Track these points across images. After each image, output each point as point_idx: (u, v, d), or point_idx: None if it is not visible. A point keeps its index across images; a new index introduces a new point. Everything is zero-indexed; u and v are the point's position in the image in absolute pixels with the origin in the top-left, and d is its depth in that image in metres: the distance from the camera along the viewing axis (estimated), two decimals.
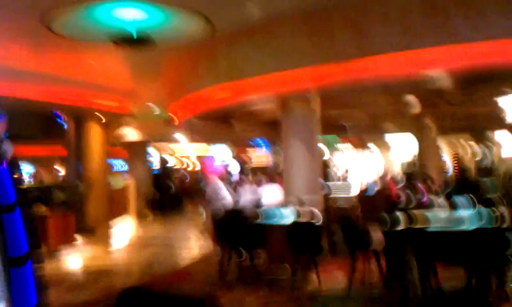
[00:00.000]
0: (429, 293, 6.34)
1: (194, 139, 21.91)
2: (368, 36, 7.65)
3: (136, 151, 19.90)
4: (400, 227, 6.56)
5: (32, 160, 22.25)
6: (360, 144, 22.96)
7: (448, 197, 9.70)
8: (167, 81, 12.11)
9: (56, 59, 10.07)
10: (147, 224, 16.23)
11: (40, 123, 15.70)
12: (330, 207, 10.41)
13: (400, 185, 14.79)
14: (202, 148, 27.25)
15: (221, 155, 26.88)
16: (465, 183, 11.01)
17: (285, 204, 9.00)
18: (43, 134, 16.57)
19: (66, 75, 10.89)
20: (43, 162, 23.15)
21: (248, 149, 27.21)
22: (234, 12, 7.77)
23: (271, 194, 9.67)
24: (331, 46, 8.03)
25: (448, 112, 14.54)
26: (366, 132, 20.40)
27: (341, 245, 7.65)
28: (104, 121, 13.56)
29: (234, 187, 10.55)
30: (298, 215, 7.95)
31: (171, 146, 24.59)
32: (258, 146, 26.15)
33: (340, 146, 21.52)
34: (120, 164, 23.08)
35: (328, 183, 13.77)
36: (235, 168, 23.42)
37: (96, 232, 12.73)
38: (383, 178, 15.12)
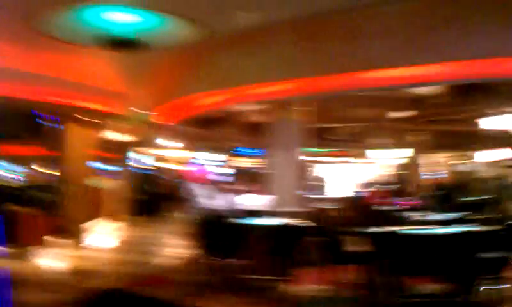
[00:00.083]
0: (404, 298, 6.46)
1: (178, 144, 21.87)
2: (359, 48, 7.74)
3: (118, 153, 19.77)
4: (384, 230, 6.67)
5: (13, 159, 22.02)
6: (350, 151, 23.13)
7: (433, 202, 9.93)
8: (153, 85, 12.11)
9: (41, 59, 10.02)
10: (127, 226, 16.15)
11: (22, 122, 15.58)
12: (315, 210, 10.50)
13: (387, 190, 15.05)
14: (186, 153, 27.20)
15: (205, 160, 26.87)
16: (449, 189, 11.25)
17: (267, 209, 9.08)
18: (25, 133, 16.44)
19: (51, 74, 10.85)
20: (24, 162, 22.92)
21: (232, 155, 27.24)
22: (224, 20, 7.80)
23: (253, 199, 9.74)
24: (320, 58, 8.12)
25: (437, 122, 14.74)
26: (356, 139, 20.60)
27: (320, 250, 7.74)
28: (87, 122, 13.50)
29: (217, 191, 10.60)
30: (281, 217, 8.03)
31: (155, 149, 24.51)
32: (243, 152, 26.20)
33: (324, 155, 21.69)
34: (102, 166, 22.93)
35: (314, 187, 13.90)
36: (218, 173, 23.41)
37: (74, 233, 12.64)
38: (365, 187, 15.29)
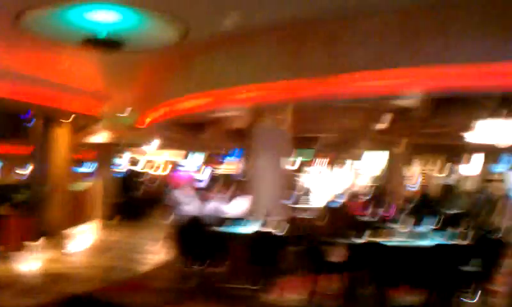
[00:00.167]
0: None
1: (163, 146, 21.78)
2: (341, 53, 7.71)
3: (103, 154, 19.68)
4: (363, 240, 6.68)
5: None
6: (330, 160, 23.18)
7: (411, 213, 9.97)
8: (138, 86, 12.05)
9: (24, 58, 9.91)
10: (110, 229, 16.03)
11: (5, 122, 15.42)
12: (295, 219, 10.50)
13: (366, 200, 15.12)
14: (171, 155, 27.12)
15: (190, 162, 26.81)
16: (428, 201, 11.33)
17: (250, 214, 9.06)
18: (8, 133, 16.28)
19: (35, 74, 10.74)
20: (7, 161, 22.73)
21: (218, 158, 27.19)
22: (210, 22, 7.77)
23: (236, 204, 9.71)
24: (304, 61, 8.09)
25: (418, 133, 14.82)
26: (336, 148, 20.65)
27: (301, 259, 7.74)
28: (72, 122, 13.38)
29: (200, 195, 10.55)
30: (262, 225, 8.02)
31: (140, 151, 24.41)
32: (228, 155, 26.16)
33: (309, 160, 21.73)
34: (86, 167, 22.78)
35: (294, 195, 13.89)
36: (203, 176, 23.38)
37: (56, 235, 12.50)
38: (349, 192, 15.33)
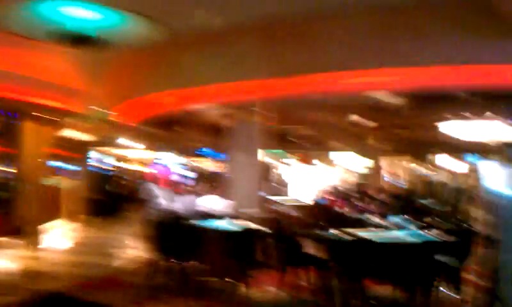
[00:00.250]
0: (362, 303, 6.50)
1: (138, 143, 21.59)
2: (317, 53, 7.76)
3: (78, 150, 19.44)
4: (343, 234, 6.68)
5: None
6: (305, 159, 23.28)
7: (391, 207, 10.05)
8: (113, 83, 11.89)
9: None
10: (83, 226, 15.86)
11: None
12: (274, 213, 10.48)
13: (346, 194, 15.21)
14: (146, 153, 26.91)
15: (165, 160, 26.64)
16: (408, 195, 11.45)
17: (228, 209, 9.04)
18: None
19: (8, 69, 10.52)
20: None
21: (193, 156, 27.08)
22: (185, 19, 7.72)
23: (214, 199, 9.67)
24: (281, 61, 8.11)
25: (392, 132, 14.96)
26: (312, 147, 20.74)
27: (279, 253, 7.72)
28: (45, 119, 13.18)
29: (175, 192, 10.46)
30: (240, 220, 7.99)
31: (115, 149, 24.16)
32: (204, 153, 26.08)
33: (285, 159, 21.78)
34: (60, 165, 22.46)
35: (273, 189, 13.91)
36: (178, 174, 23.23)
37: (27, 233, 12.31)
38: (325, 190, 15.38)
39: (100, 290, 7.87)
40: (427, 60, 7.10)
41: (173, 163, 26.58)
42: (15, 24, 7.70)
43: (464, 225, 7.78)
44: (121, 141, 20.65)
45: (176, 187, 11.36)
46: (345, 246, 6.51)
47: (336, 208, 11.84)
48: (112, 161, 26.09)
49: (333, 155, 22.30)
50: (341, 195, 14.82)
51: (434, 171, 22.50)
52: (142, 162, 28.05)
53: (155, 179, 10.05)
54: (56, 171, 20.93)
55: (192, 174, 22.90)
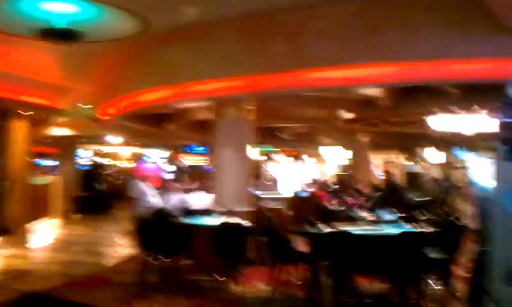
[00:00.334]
0: (351, 298, 6.49)
1: (126, 140, 21.47)
2: (303, 48, 7.73)
3: (65, 147, 19.31)
4: (329, 229, 6.65)
5: None
6: (294, 154, 23.30)
7: (378, 202, 10.07)
8: (99, 79, 11.79)
9: None
10: (71, 225, 15.74)
11: None
12: (261, 209, 10.46)
13: (333, 189, 15.23)
14: (134, 150, 26.80)
15: (153, 157, 26.54)
16: (395, 189, 11.48)
17: (216, 206, 9.00)
18: None
19: None
20: None
21: (181, 152, 27.01)
22: (171, 14, 7.66)
23: (200, 198, 9.63)
24: (267, 55, 8.07)
25: (383, 122, 14.97)
26: (301, 138, 20.76)
27: (268, 250, 7.70)
28: (29, 116, 13.03)
29: (163, 189, 10.40)
30: (227, 216, 7.96)
31: (102, 145, 24.02)
32: (192, 150, 26.02)
33: (273, 155, 21.79)
34: (46, 162, 22.29)
35: (260, 185, 13.87)
36: (166, 171, 23.15)
37: (15, 231, 12.20)
38: (314, 184, 15.39)
39: (89, 289, 7.79)
40: (415, 54, 7.10)
41: (161, 160, 26.51)
42: None
43: (452, 218, 7.80)
44: (108, 138, 20.53)
45: (164, 184, 11.30)
46: (330, 240, 6.49)
47: (325, 203, 11.85)
48: (99, 158, 25.94)
49: (321, 149, 22.33)
50: (323, 187, 14.87)
51: (422, 164, 22.59)
52: (129, 159, 27.93)
53: (143, 176, 9.93)
54: (43, 169, 20.82)
55: (180, 171, 22.84)
